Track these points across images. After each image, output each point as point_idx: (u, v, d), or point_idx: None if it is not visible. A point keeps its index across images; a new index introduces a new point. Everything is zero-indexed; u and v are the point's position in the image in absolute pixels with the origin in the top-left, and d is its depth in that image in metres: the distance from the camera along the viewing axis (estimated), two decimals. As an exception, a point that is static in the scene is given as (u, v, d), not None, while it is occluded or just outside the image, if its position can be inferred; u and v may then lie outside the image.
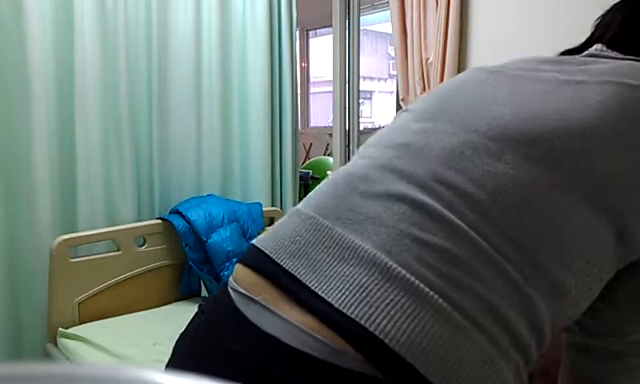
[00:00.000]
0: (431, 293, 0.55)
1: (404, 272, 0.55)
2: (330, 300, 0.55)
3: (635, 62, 0.66)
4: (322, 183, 0.68)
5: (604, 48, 0.71)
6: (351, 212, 0.61)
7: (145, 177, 2.20)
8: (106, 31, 1.99)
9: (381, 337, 0.53)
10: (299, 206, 0.66)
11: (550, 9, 1.80)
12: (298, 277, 0.58)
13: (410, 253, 0.57)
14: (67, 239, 1.80)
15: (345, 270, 0.57)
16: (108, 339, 1.68)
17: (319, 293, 0.56)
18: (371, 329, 0.53)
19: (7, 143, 1.80)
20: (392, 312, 0.54)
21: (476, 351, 0.55)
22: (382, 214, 0.60)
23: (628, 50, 0.70)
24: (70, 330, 1.77)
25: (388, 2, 2.26)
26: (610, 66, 0.65)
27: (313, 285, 0.57)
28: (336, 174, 0.68)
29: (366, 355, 0.52)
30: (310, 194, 0.68)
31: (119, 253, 1.95)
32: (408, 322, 0.54)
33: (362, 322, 0.53)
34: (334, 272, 0.57)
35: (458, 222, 0.57)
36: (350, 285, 0.56)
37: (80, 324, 1.82)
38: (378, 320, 0.53)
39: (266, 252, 0.62)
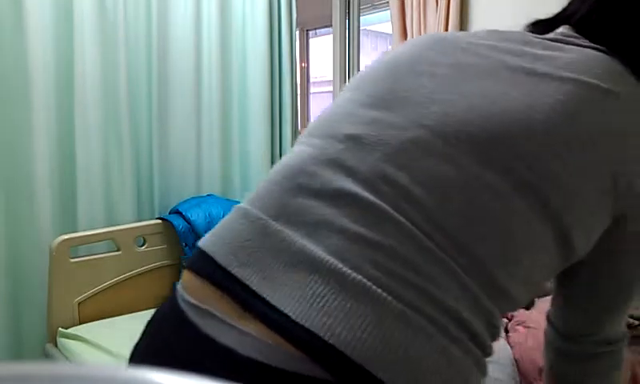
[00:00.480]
0: (389, 297, 0.53)
1: (359, 277, 0.54)
2: (286, 311, 0.53)
3: (600, 54, 0.63)
4: (269, 176, 0.64)
5: (572, 32, 0.67)
6: (301, 213, 0.58)
7: (145, 176, 2.20)
8: (106, 30, 1.99)
9: (341, 349, 0.51)
10: (246, 204, 0.62)
11: (549, 9, 1.80)
12: (252, 287, 0.55)
13: (364, 256, 0.55)
14: (67, 239, 1.80)
15: (299, 278, 0.55)
16: (108, 339, 1.68)
17: (274, 304, 0.53)
18: (331, 341, 0.51)
19: (7, 143, 1.80)
20: (351, 321, 0.52)
21: (441, 353, 0.54)
22: (331, 215, 0.57)
23: (595, 35, 0.67)
24: (70, 330, 1.77)
25: (388, 2, 2.26)
26: (574, 58, 0.63)
27: (267, 295, 0.54)
28: (282, 167, 0.64)
29: (327, 368, 0.50)
30: (257, 188, 0.64)
31: (119, 253, 1.95)
32: (369, 330, 0.52)
33: (321, 334, 0.51)
34: (289, 280, 0.55)
35: (406, 222, 0.56)
36: (307, 294, 0.54)
37: (80, 324, 1.82)
38: (337, 331, 0.52)
39: (216, 259, 0.59)
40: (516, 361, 1.13)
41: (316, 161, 0.61)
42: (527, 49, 0.64)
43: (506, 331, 1.04)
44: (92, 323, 1.83)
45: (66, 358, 1.71)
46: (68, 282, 1.81)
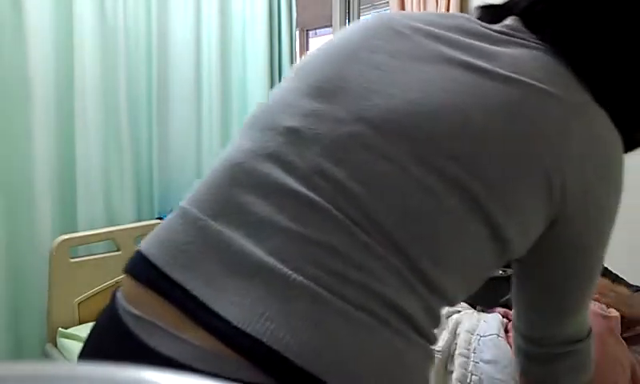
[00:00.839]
0: (331, 296, 0.53)
1: (300, 278, 0.53)
2: (228, 318, 0.51)
3: (543, 54, 0.62)
4: (210, 173, 0.62)
5: (519, 24, 0.65)
6: (241, 212, 0.57)
7: (144, 177, 2.20)
8: (106, 31, 1.99)
9: (284, 353, 0.50)
10: (185, 203, 0.60)
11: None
12: (192, 292, 0.53)
13: (304, 256, 0.54)
14: (67, 239, 1.80)
15: (240, 281, 0.53)
16: (108, 339, 1.68)
17: (216, 310, 0.52)
18: (274, 346, 0.50)
19: (7, 144, 1.80)
20: (293, 323, 0.51)
21: (386, 347, 0.54)
22: (271, 213, 0.56)
23: (540, 30, 0.65)
24: (70, 330, 1.77)
25: (388, 2, 2.26)
26: (518, 57, 0.61)
27: (208, 301, 0.53)
28: (222, 163, 0.62)
29: (271, 373, 0.49)
30: (197, 186, 0.62)
31: (119, 253, 1.95)
32: (310, 331, 0.51)
33: (264, 340, 0.50)
34: (230, 285, 0.53)
35: (344, 219, 0.55)
36: (248, 298, 0.52)
37: (80, 324, 1.81)
38: (279, 335, 0.51)
39: (156, 263, 0.56)
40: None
41: (255, 156, 0.59)
42: (471, 42, 0.63)
43: (506, 331, 1.04)
44: (92, 323, 1.82)
45: (66, 358, 1.71)
46: (68, 282, 1.81)
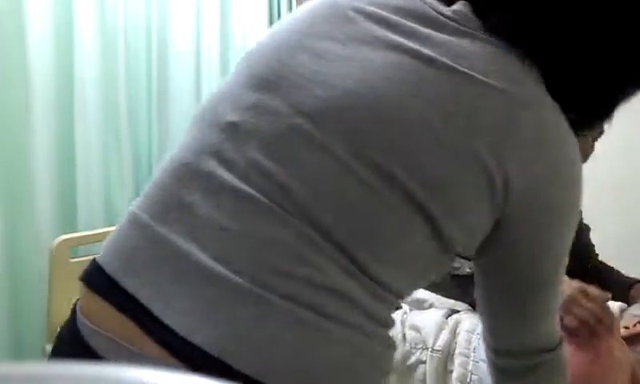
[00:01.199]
0: (275, 296, 0.52)
1: (242, 281, 0.52)
2: (175, 328, 0.51)
3: (489, 46, 0.59)
4: (158, 174, 0.62)
5: (469, 11, 0.61)
6: (186, 215, 0.56)
7: (144, 176, 2.20)
8: (106, 30, 1.99)
9: (229, 362, 0.50)
10: (136, 208, 0.60)
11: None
12: (142, 302, 0.53)
13: (247, 256, 0.53)
14: (67, 239, 1.80)
15: (187, 288, 0.53)
16: (108, 339, 1.68)
17: (165, 321, 0.52)
18: (218, 355, 0.50)
19: (7, 145, 1.80)
20: (237, 330, 0.51)
21: (336, 344, 0.53)
22: (214, 214, 0.55)
23: (487, 17, 0.61)
24: (70, 330, 1.76)
25: (388, 2, 2.26)
26: (464, 47, 0.59)
27: (158, 312, 0.52)
28: (169, 163, 0.61)
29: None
30: (147, 188, 0.62)
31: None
32: (255, 337, 0.51)
33: (208, 349, 0.50)
34: (179, 292, 0.53)
35: (285, 214, 0.54)
36: (195, 306, 0.52)
37: (80, 324, 1.81)
38: (222, 343, 0.50)
39: (109, 273, 0.56)
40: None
41: (200, 154, 0.59)
42: (418, 27, 0.59)
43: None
44: (92, 323, 1.82)
45: (66, 358, 1.70)
46: (68, 282, 1.80)
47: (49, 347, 1.79)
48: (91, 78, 1.96)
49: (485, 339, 0.73)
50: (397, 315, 1.16)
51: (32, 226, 1.84)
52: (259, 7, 2.44)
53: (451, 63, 0.57)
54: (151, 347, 0.52)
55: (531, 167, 0.58)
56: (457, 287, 1.13)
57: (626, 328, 1.08)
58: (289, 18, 0.66)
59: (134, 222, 0.59)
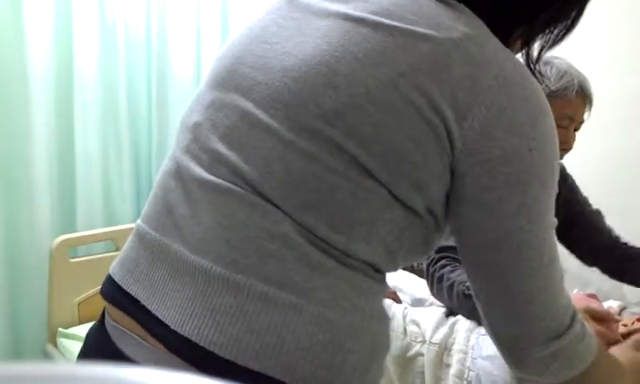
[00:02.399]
0: (251, 280, 0.54)
1: (219, 269, 0.54)
2: (167, 322, 0.55)
3: None
4: (154, 187, 0.67)
5: None
6: (171, 217, 0.60)
7: (144, 177, 2.20)
8: (106, 30, 1.99)
9: (213, 350, 0.52)
10: (139, 220, 0.66)
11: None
12: (142, 302, 0.58)
13: (221, 244, 0.55)
14: (67, 239, 1.80)
15: (177, 284, 0.56)
16: (108, 339, 1.67)
17: (159, 316, 0.56)
18: (202, 344, 0.52)
19: (7, 144, 1.80)
20: (217, 318, 0.53)
21: (315, 322, 0.54)
22: (191, 209, 0.59)
23: None
24: (70, 330, 1.77)
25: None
26: (394, 1, 0.58)
27: (154, 309, 0.57)
28: (160, 175, 0.66)
29: (206, 372, 0.51)
30: (148, 201, 0.68)
31: (119, 253, 1.94)
32: (233, 323, 0.53)
33: (194, 339, 0.53)
34: (169, 289, 0.57)
35: (246, 195, 0.56)
36: (181, 300, 0.55)
37: (80, 324, 1.81)
38: (205, 332, 0.53)
39: (118, 282, 0.62)
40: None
41: (177, 157, 0.63)
42: None
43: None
44: (92, 323, 1.82)
45: (66, 358, 1.71)
46: (68, 282, 1.81)
47: (49, 347, 1.79)
48: (91, 79, 1.96)
49: (496, 345, 0.67)
50: (399, 310, 1.17)
51: (32, 226, 1.84)
52: (260, 4, 2.44)
53: (380, 19, 0.57)
54: (154, 342, 0.56)
55: (475, 112, 0.55)
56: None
57: (625, 325, 1.08)
58: (251, 19, 0.69)
59: (136, 233, 0.65)
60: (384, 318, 0.61)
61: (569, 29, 0.67)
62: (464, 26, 0.57)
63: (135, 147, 2.14)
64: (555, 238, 0.63)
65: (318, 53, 0.57)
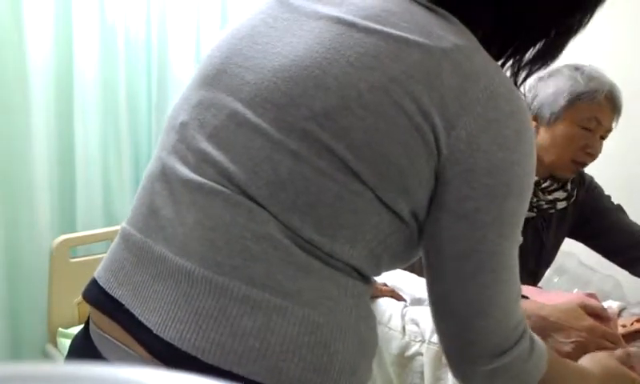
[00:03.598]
0: (234, 282, 0.53)
1: (203, 271, 0.54)
2: (149, 325, 0.54)
3: (407, 3, 0.59)
4: (138, 190, 0.66)
5: None
6: (156, 218, 0.59)
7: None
8: (106, 31, 1.99)
9: (196, 355, 0.51)
10: (124, 222, 0.65)
11: None
12: (126, 306, 0.57)
13: (203, 245, 0.55)
14: (67, 239, 1.80)
15: (160, 287, 0.55)
16: (108, 339, 1.67)
17: (142, 320, 0.55)
18: (185, 349, 0.52)
19: (7, 144, 1.80)
20: (200, 322, 0.52)
21: (300, 323, 0.53)
22: (175, 210, 0.58)
23: None
24: (70, 330, 1.77)
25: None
26: (383, 5, 0.58)
27: (137, 313, 0.56)
28: (145, 176, 0.65)
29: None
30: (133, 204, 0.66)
31: (119, 253, 1.95)
32: (215, 327, 0.52)
33: (177, 344, 0.52)
34: (153, 291, 0.56)
35: (232, 195, 0.55)
36: (164, 303, 0.54)
37: (80, 324, 1.81)
38: (187, 336, 0.52)
39: (102, 286, 0.61)
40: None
41: (163, 158, 0.63)
42: None
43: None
44: (92, 323, 1.82)
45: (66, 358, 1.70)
46: (68, 282, 1.81)
47: (49, 347, 1.80)
48: (91, 79, 1.96)
49: (445, 353, 0.66)
50: (397, 309, 1.17)
51: (32, 226, 1.84)
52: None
53: (372, 25, 0.57)
54: (137, 347, 0.55)
55: (462, 121, 0.55)
56: None
57: (624, 326, 1.08)
58: (240, 18, 0.68)
59: (121, 236, 0.64)
60: (371, 318, 0.61)
61: (559, 50, 0.69)
62: (454, 37, 0.57)
63: (135, 148, 2.13)
64: (517, 254, 0.62)
65: (309, 54, 0.57)
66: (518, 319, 0.63)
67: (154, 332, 0.53)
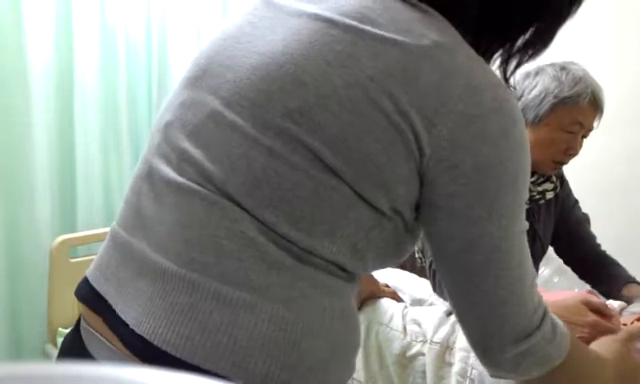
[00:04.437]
0: (205, 279, 0.54)
1: (176, 267, 0.55)
2: (127, 321, 0.55)
3: (388, 2, 0.59)
4: (126, 191, 0.68)
5: None
6: (139, 216, 0.61)
7: (144, 177, 2.20)
8: (106, 33, 1.99)
9: (166, 349, 0.52)
10: (115, 222, 0.66)
11: None
12: (109, 301, 0.59)
13: (180, 242, 0.56)
14: (67, 239, 1.80)
15: (140, 284, 0.57)
16: (108, 339, 1.68)
17: (122, 316, 0.56)
18: (157, 343, 0.53)
19: (8, 145, 1.80)
20: (171, 317, 0.53)
21: (269, 320, 0.53)
22: (156, 209, 0.59)
23: None
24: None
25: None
26: (366, 5, 0.58)
27: (118, 309, 0.57)
28: (133, 179, 0.67)
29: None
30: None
31: (119, 253, 1.95)
32: (186, 322, 0.53)
33: (150, 339, 0.53)
34: (134, 288, 0.57)
35: (209, 194, 0.56)
36: (141, 299, 0.56)
37: (80, 324, 1.81)
38: (160, 331, 0.53)
39: (91, 283, 0.63)
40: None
41: (148, 159, 0.64)
42: None
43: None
44: (92, 323, 1.82)
45: (66, 358, 1.71)
46: (68, 283, 1.80)
47: (49, 347, 1.80)
48: (91, 81, 1.96)
49: (472, 350, 0.68)
50: (398, 309, 1.17)
51: (32, 227, 1.84)
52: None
53: (350, 22, 0.57)
54: (116, 342, 0.57)
55: (444, 119, 0.55)
56: None
57: (624, 325, 1.08)
58: (228, 19, 0.69)
59: (110, 235, 0.65)
60: (350, 317, 0.61)
61: (545, 45, 0.68)
62: (436, 34, 0.57)
63: (135, 149, 2.14)
64: (526, 240, 0.64)
65: (286, 51, 0.57)
66: (537, 303, 0.64)
67: (130, 326, 0.55)
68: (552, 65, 1.28)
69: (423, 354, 1.08)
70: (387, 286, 1.32)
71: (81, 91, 1.94)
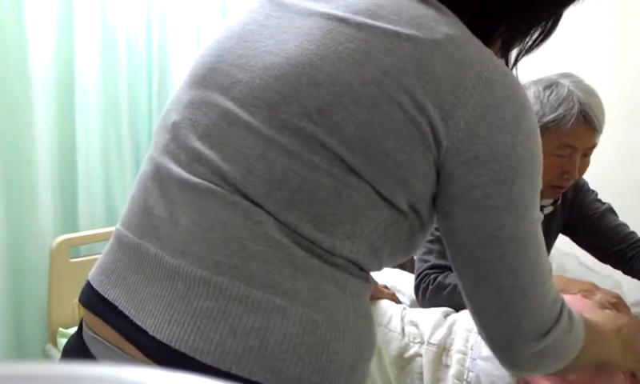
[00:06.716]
0: (232, 282, 0.53)
1: (200, 271, 0.53)
2: (145, 328, 0.54)
3: None
4: (132, 190, 0.66)
5: None
6: (148, 218, 0.59)
7: (144, 177, 2.19)
8: (107, 32, 1.99)
9: (193, 356, 0.51)
10: (119, 223, 0.65)
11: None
12: (120, 307, 0.57)
13: (202, 246, 0.54)
14: (67, 239, 1.80)
15: (155, 288, 0.55)
16: (108, 339, 1.67)
17: (138, 323, 0.54)
18: (183, 350, 0.51)
19: (9, 145, 1.80)
20: (197, 323, 0.52)
21: (299, 322, 0.53)
22: (169, 210, 0.58)
23: None
24: (70, 330, 1.76)
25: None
26: (376, 2, 0.58)
27: (132, 315, 0.55)
28: (138, 177, 0.66)
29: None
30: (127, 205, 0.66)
31: (119, 253, 1.94)
32: (214, 327, 0.52)
33: (174, 345, 0.52)
34: (148, 293, 0.55)
35: (227, 195, 0.55)
36: (160, 305, 0.54)
37: (80, 324, 1.81)
38: (185, 337, 0.52)
39: (95, 288, 0.61)
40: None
41: (155, 158, 0.63)
42: None
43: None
44: (92, 323, 1.82)
45: (67, 358, 1.70)
46: (68, 282, 1.81)
47: (49, 347, 1.79)
48: (92, 79, 1.96)
49: (490, 349, 0.67)
50: (397, 310, 1.17)
51: (33, 226, 1.84)
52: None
53: (362, 19, 0.57)
54: (131, 350, 0.55)
55: (459, 112, 0.55)
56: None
57: None
58: (232, 17, 0.68)
59: (115, 237, 0.64)
60: (369, 318, 0.61)
61: (547, 34, 0.68)
62: (446, 27, 0.57)
63: (136, 148, 2.14)
64: (541, 232, 0.63)
65: (300, 51, 0.57)
66: (555, 295, 0.64)
67: (150, 333, 0.53)
68: (537, 82, 1.20)
69: (421, 356, 1.08)
70: (386, 287, 1.32)
71: (81, 90, 1.94)
